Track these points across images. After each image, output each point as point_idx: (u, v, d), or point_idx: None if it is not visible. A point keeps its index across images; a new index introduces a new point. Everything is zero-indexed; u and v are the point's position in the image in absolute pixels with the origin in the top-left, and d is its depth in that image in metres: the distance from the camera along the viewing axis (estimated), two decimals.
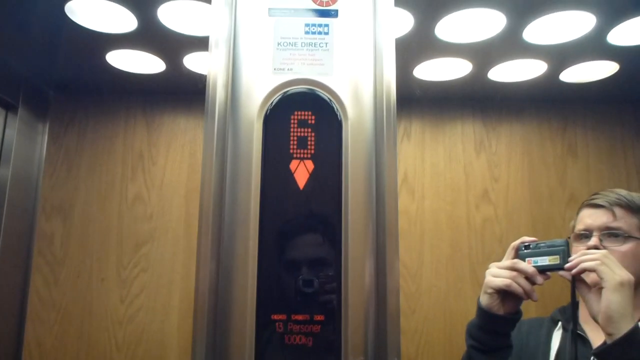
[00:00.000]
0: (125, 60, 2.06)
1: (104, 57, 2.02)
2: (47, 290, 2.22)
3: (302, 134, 0.76)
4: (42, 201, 2.28)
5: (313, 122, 0.76)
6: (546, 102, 2.44)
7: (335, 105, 0.77)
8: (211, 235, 0.74)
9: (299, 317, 0.71)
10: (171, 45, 1.92)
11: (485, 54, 1.96)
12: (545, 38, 1.83)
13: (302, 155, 0.75)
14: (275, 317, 0.70)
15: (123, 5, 1.65)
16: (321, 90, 0.78)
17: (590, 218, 1.40)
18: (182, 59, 2.02)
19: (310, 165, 0.75)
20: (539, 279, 1.25)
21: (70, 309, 2.21)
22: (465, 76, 2.15)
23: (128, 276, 2.24)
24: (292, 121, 0.76)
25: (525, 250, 1.30)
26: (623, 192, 1.41)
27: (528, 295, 1.25)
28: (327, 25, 0.81)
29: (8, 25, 1.80)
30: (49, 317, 2.20)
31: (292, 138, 0.76)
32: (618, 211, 1.36)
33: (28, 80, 2.20)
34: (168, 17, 1.70)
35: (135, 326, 2.21)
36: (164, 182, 2.34)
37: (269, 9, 0.81)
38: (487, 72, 2.12)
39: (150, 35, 1.84)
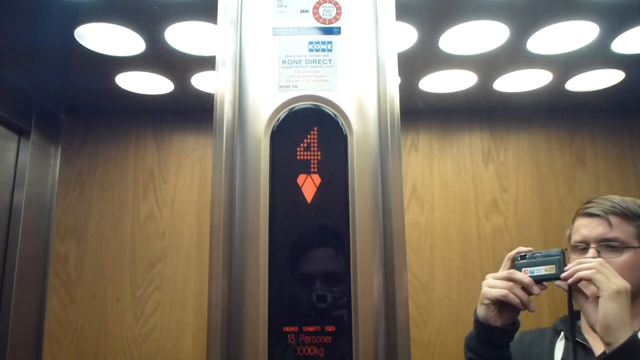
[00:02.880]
0: (134, 82, 2.09)
1: (114, 80, 2.05)
2: (64, 311, 2.24)
3: (309, 149, 0.77)
4: (56, 223, 2.31)
5: (319, 137, 0.78)
6: (553, 111, 2.45)
7: (340, 120, 0.78)
8: (222, 251, 0.76)
9: (311, 329, 0.72)
10: (179, 66, 1.95)
11: (489, 65, 1.98)
12: (549, 48, 1.84)
13: (309, 170, 0.76)
14: (287, 329, 0.71)
15: (131, 29, 1.68)
16: (326, 106, 0.79)
17: (586, 229, 1.37)
18: (190, 78, 2.05)
19: (317, 179, 0.76)
20: (536, 289, 1.24)
21: (87, 328, 2.23)
22: (471, 88, 2.16)
23: (142, 295, 2.26)
24: (298, 137, 0.78)
25: (521, 261, 1.29)
26: (617, 198, 1.38)
27: (525, 305, 1.23)
28: (330, 43, 0.83)
29: (20, 51, 1.84)
30: (66, 337, 2.22)
31: (298, 153, 0.77)
32: (614, 220, 1.33)
33: (40, 104, 2.24)
34: (175, 38, 1.73)
35: (150, 344, 2.22)
36: (175, 200, 2.36)
37: (273, 28, 0.83)
38: (493, 83, 2.13)
39: (158, 57, 1.87)
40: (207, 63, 1.89)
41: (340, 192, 0.75)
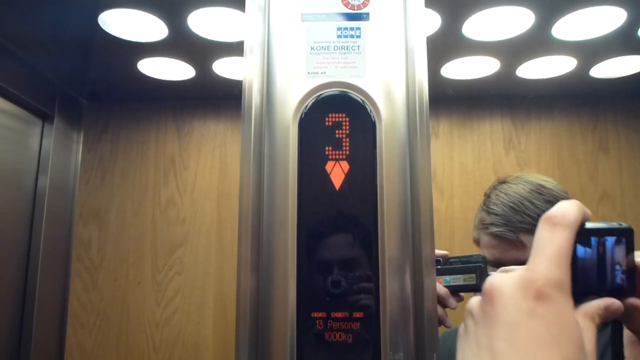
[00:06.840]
0: (156, 68, 2.10)
1: (136, 66, 2.06)
2: (86, 295, 2.27)
3: (337, 136, 0.77)
4: (79, 208, 2.34)
5: (347, 123, 0.77)
6: (576, 98, 2.42)
7: (369, 107, 0.78)
8: (251, 237, 0.76)
9: (339, 315, 0.72)
10: (201, 52, 1.95)
11: (513, 51, 1.95)
12: (574, 34, 1.81)
13: (337, 157, 0.76)
14: (315, 314, 0.72)
15: (154, 15, 1.68)
16: (354, 92, 0.79)
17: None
18: (212, 64, 2.05)
19: (345, 166, 0.76)
20: (452, 301, 1.05)
21: (109, 312, 2.26)
22: (493, 74, 2.14)
23: (163, 279, 2.28)
24: (326, 123, 0.77)
25: (437, 267, 1.05)
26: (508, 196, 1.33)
27: (440, 321, 1.05)
28: (359, 29, 0.82)
29: (44, 37, 1.86)
30: (89, 321, 2.25)
31: (327, 140, 0.77)
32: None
33: (63, 90, 2.26)
34: (198, 24, 1.73)
35: (171, 328, 2.25)
36: (195, 186, 2.38)
37: (301, 14, 0.82)
38: (516, 69, 2.11)
39: (181, 43, 1.87)
40: (230, 49, 1.89)
41: (369, 179, 0.75)
